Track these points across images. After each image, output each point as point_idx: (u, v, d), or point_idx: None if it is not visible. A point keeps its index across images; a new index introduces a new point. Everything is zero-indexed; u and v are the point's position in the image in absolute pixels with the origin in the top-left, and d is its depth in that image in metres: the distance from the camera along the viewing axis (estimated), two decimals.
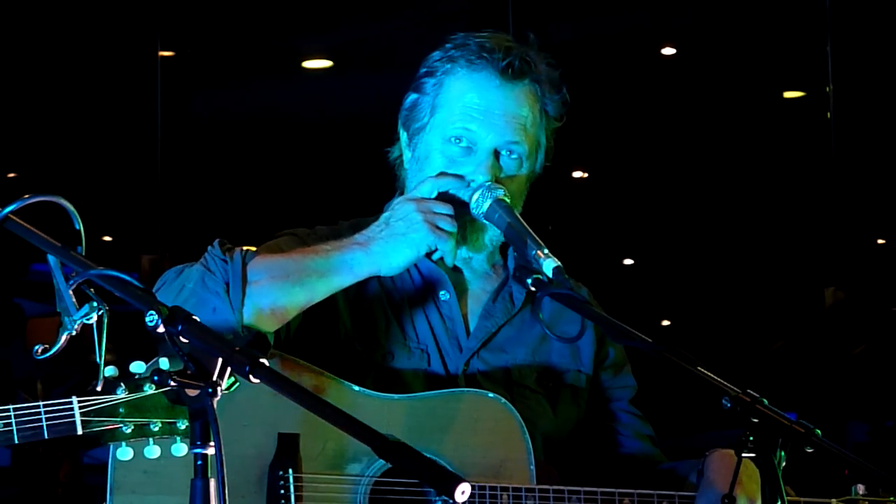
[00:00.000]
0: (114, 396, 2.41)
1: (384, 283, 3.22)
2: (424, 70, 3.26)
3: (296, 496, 2.91)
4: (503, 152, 3.17)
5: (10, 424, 2.38)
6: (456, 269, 3.27)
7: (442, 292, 3.23)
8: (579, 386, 3.31)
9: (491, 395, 3.08)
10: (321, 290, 3.01)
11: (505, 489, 2.99)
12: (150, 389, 2.41)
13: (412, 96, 3.26)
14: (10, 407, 2.39)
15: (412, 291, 3.23)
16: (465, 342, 3.22)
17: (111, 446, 2.73)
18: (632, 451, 3.34)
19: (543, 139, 3.26)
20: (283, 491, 2.91)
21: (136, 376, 2.43)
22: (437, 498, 2.98)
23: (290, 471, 2.92)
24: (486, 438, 3.04)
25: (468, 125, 3.16)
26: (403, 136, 3.28)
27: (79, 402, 2.41)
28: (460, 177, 3.14)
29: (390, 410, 3.00)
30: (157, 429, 2.42)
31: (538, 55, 3.26)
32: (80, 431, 2.41)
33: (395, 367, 3.16)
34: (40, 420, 2.40)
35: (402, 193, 3.29)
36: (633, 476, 3.16)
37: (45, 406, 2.40)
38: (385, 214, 3.10)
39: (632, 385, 3.40)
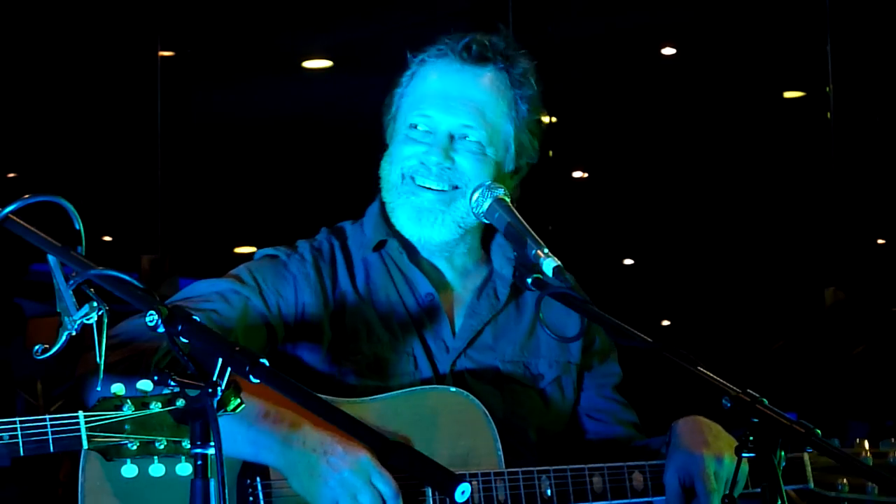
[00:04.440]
0: (120, 413, 2.41)
1: (363, 290, 3.22)
2: (405, 71, 3.30)
3: (266, 502, 2.92)
4: (457, 136, 3.18)
5: (16, 437, 2.38)
6: (435, 267, 3.27)
7: (425, 293, 3.23)
8: (570, 377, 3.31)
9: (453, 389, 3.09)
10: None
11: (474, 475, 2.99)
12: (156, 408, 2.41)
13: (392, 93, 3.30)
14: (17, 420, 2.39)
15: (394, 294, 3.23)
16: (451, 342, 3.22)
17: (80, 477, 2.75)
18: (611, 436, 3.34)
19: (512, 129, 3.24)
20: (251, 498, 2.92)
21: (143, 394, 2.43)
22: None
23: (258, 479, 2.93)
24: (451, 430, 3.05)
25: (425, 111, 3.19)
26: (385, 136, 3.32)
27: (85, 417, 2.41)
28: None
29: (354, 413, 3.00)
30: (162, 447, 2.42)
31: (509, 45, 3.26)
32: (86, 446, 2.40)
33: (382, 372, 3.15)
34: (46, 434, 2.40)
35: (382, 202, 3.29)
36: (608, 457, 3.16)
37: (51, 419, 2.40)
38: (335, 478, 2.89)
39: (616, 372, 3.39)
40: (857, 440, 3.25)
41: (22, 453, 2.38)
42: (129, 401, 2.41)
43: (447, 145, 3.16)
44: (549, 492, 3.04)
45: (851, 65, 8.83)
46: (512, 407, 3.20)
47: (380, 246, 3.24)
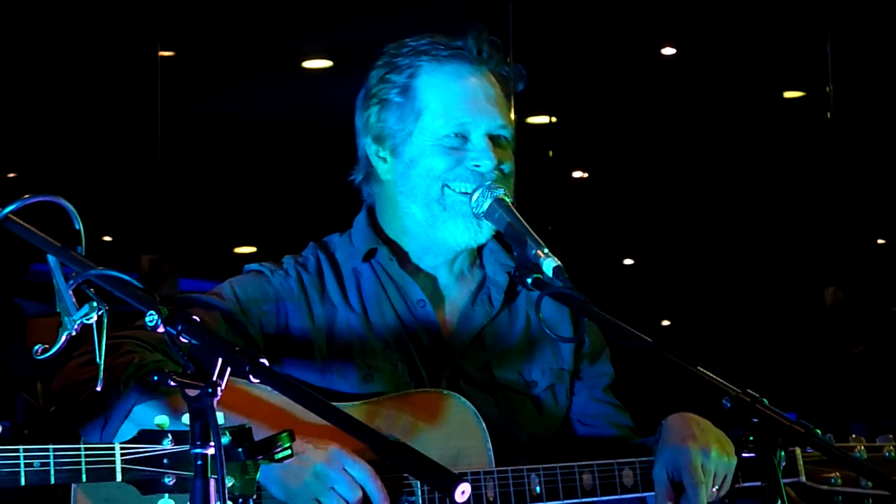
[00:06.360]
0: (157, 447, 2.40)
1: (355, 301, 3.21)
2: (377, 84, 3.25)
3: None
4: (499, 136, 3.18)
5: (47, 464, 2.36)
6: (428, 275, 3.26)
7: (417, 300, 3.21)
8: (564, 385, 3.30)
9: (444, 391, 3.09)
10: None
11: (463, 474, 2.99)
12: None
13: (375, 110, 3.25)
14: (50, 447, 2.37)
15: (386, 303, 3.21)
16: (445, 348, 3.21)
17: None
18: (605, 438, 3.33)
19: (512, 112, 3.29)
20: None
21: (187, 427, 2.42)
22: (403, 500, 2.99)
23: None
24: (441, 431, 3.05)
25: (460, 119, 3.17)
26: (373, 149, 3.27)
27: (121, 448, 2.39)
28: None
29: None
30: None
31: (497, 40, 3.28)
32: (119, 478, 2.39)
33: (376, 382, 3.14)
34: (79, 463, 2.38)
35: (371, 212, 3.30)
36: (601, 457, 3.15)
37: (85, 449, 2.38)
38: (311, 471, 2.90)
39: (608, 372, 3.38)
40: (853, 436, 3.25)
41: (53, 481, 2.35)
42: (169, 434, 2.40)
43: (492, 147, 3.17)
44: (538, 489, 3.04)
45: (851, 65, 8.83)
46: (506, 413, 3.19)
47: (370, 255, 3.24)
